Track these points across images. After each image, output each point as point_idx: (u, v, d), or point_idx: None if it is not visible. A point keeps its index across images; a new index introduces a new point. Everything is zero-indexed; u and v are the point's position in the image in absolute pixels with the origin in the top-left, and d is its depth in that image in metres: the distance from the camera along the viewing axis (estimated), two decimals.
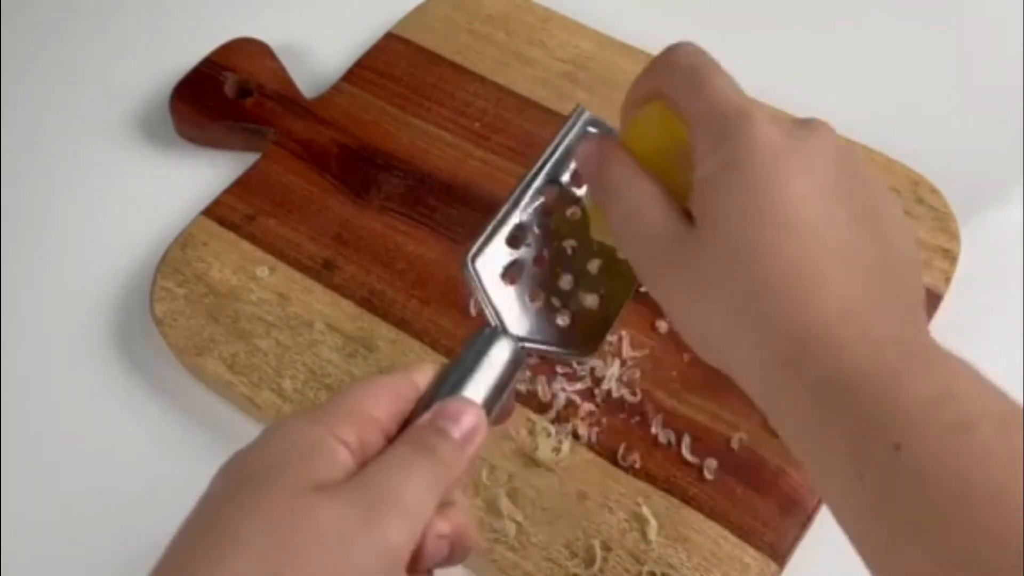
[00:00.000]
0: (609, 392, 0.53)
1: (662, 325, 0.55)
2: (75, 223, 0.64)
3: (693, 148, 0.34)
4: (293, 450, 0.31)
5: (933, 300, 0.55)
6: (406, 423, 0.34)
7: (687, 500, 0.50)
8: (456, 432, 0.33)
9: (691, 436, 0.51)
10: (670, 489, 0.50)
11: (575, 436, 0.52)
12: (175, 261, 0.58)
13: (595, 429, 0.52)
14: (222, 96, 0.66)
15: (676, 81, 0.35)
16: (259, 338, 0.55)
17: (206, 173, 0.65)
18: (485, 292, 0.37)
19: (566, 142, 0.40)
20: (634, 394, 0.53)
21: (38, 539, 0.52)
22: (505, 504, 0.49)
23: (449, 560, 0.33)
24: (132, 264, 0.61)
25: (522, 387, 0.53)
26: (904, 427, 0.29)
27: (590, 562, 0.48)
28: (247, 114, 0.65)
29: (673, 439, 0.51)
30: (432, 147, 0.63)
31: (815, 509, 0.49)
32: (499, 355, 0.36)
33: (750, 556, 0.48)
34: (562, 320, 0.39)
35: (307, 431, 0.32)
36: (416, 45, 0.69)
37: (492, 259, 0.38)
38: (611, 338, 0.54)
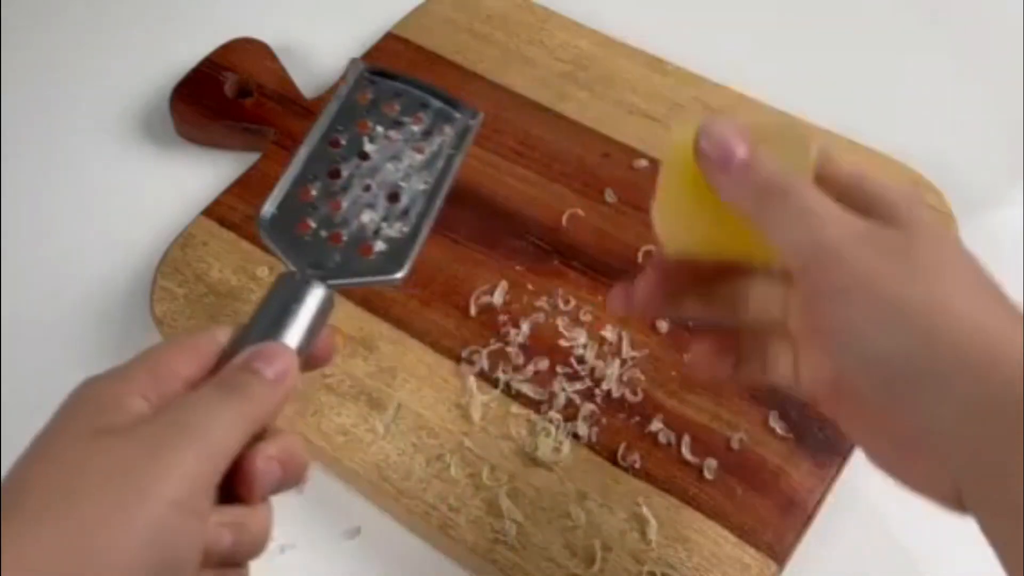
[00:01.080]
0: (609, 392, 0.53)
1: (662, 325, 0.55)
2: (75, 223, 0.64)
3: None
4: (86, 404, 0.33)
5: None
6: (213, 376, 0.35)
7: (687, 500, 0.50)
8: (269, 372, 0.34)
9: (691, 436, 0.51)
10: (670, 489, 0.50)
11: (575, 436, 0.52)
12: (175, 261, 0.58)
13: (595, 429, 0.52)
14: (222, 96, 0.66)
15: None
16: None
17: (206, 173, 0.65)
18: (280, 245, 0.40)
19: (343, 93, 0.44)
20: (635, 394, 0.53)
21: None
22: (505, 504, 0.49)
23: (284, 483, 0.34)
24: (132, 264, 0.61)
25: (523, 387, 0.53)
26: None
27: (590, 562, 0.48)
28: (247, 114, 0.65)
29: (673, 439, 0.51)
30: None
31: (815, 509, 0.49)
32: (309, 301, 0.37)
33: (750, 556, 0.48)
34: (378, 248, 0.41)
35: (103, 387, 0.33)
36: (416, 45, 0.69)
37: (286, 212, 0.41)
38: (611, 337, 0.54)
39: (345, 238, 0.41)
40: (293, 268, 0.39)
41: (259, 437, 0.34)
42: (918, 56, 0.70)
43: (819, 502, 0.50)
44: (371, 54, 0.68)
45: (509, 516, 0.49)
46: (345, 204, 0.42)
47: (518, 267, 0.57)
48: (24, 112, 0.69)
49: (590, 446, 0.51)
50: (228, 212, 0.60)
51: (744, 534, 0.49)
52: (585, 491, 0.50)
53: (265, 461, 0.33)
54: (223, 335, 0.36)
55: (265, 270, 0.58)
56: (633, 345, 0.54)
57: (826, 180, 0.35)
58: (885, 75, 0.69)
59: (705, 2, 0.74)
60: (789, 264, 0.34)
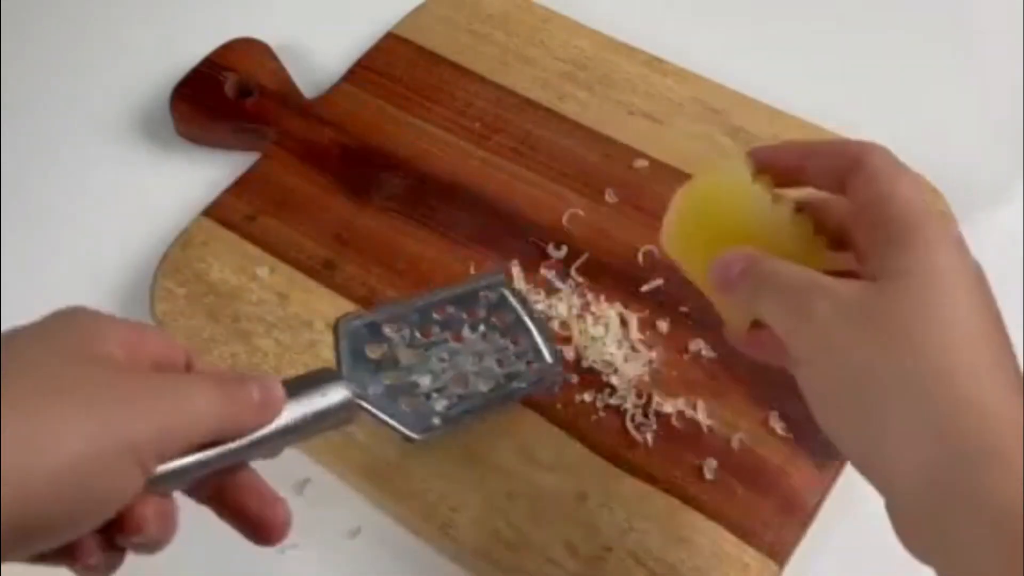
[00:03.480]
0: (610, 392, 0.53)
1: (662, 325, 0.55)
2: (75, 223, 0.64)
3: (863, 224, 0.36)
4: (74, 328, 0.34)
5: None
6: None
7: (687, 500, 0.50)
8: (256, 393, 0.35)
9: (691, 436, 0.51)
10: (670, 489, 0.50)
11: (576, 436, 0.52)
12: (175, 261, 0.58)
13: (595, 428, 0.52)
14: (222, 96, 0.66)
15: (870, 167, 0.36)
16: (259, 338, 0.55)
17: (206, 173, 0.65)
18: (341, 346, 0.43)
19: (476, 285, 0.49)
20: (638, 396, 0.53)
21: None
22: (505, 504, 0.49)
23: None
24: (132, 264, 0.61)
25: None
26: None
27: (590, 562, 0.48)
28: (247, 114, 0.65)
29: (673, 439, 0.51)
30: (432, 147, 0.63)
31: (815, 509, 0.49)
32: (330, 393, 0.39)
33: (750, 556, 0.48)
34: (406, 404, 0.44)
35: (92, 322, 0.34)
36: (416, 45, 0.69)
37: (366, 329, 0.45)
38: (612, 337, 0.54)
39: (395, 383, 0.44)
40: (341, 371, 0.42)
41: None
42: (918, 56, 0.70)
43: (819, 502, 0.50)
44: (371, 54, 0.68)
45: (509, 516, 0.49)
46: (416, 360, 0.46)
47: (518, 267, 0.57)
48: (24, 112, 0.69)
49: (590, 446, 0.51)
50: (228, 212, 0.60)
51: (744, 534, 0.49)
52: (585, 491, 0.50)
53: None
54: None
55: (265, 270, 0.58)
56: (634, 346, 0.54)
57: (856, 191, 0.36)
58: (885, 75, 0.69)
59: (705, 2, 0.74)
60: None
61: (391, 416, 0.43)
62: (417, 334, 0.46)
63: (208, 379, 0.35)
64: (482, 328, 0.49)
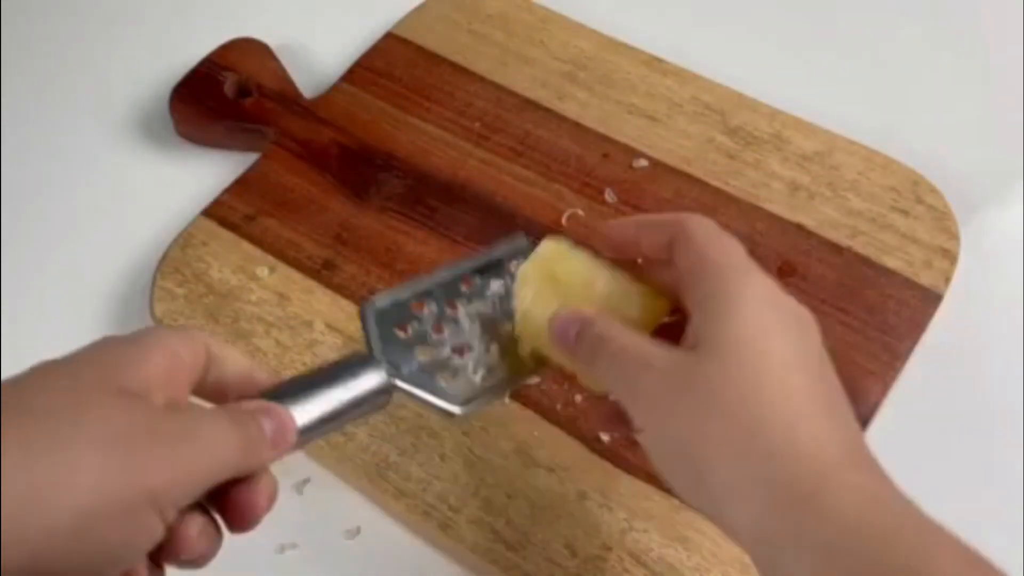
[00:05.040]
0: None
1: None
2: (75, 223, 0.64)
3: (686, 289, 0.38)
4: (108, 360, 0.33)
5: (933, 300, 0.55)
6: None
7: None
8: (268, 428, 0.35)
9: None
10: (670, 489, 0.50)
11: (576, 436, 0.52)
12: (175, 261, 0.58)
13: (596, 429, 0.52)
14: (222, 96, 0.66)
15: (688, 234, 0.38)
16: (259, 338, 0.55)
17: (206, 173, 0.65)
18: (369, 328, 0.42)
19: (499, 252, 0.46)
20: None
21: None
22: (505, 504, 0.49)
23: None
24: (132, 264, 0.61)
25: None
26: None
27: (590, 562, 0.48)
28: (247, 114, 0.65)
29: None
30: (432, 147, 0.63)
31: None
32: (365, 378, 0.38)
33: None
34: (443, 380, 0.42)
35: (125, 354, 0.34)
36: (416, 45, 0.69)
37: (394, 309, 0.43)
38: None
39: (429, 359, 0.42)
40: (373, 353, 0.41)
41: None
42: (918, 56, 0.70)
43: None
44: (371, 54, 0.68)
45: (509, 516, 0.49)
46: (447, 333, 0.43)
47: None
48: (24, 112, 0.69)
49: (590, 446, 0.51)
50: (228, 212, 0.60)
51: None
52: (585, 491, 0.50)
53: (267, 499, 0.35)
54: (216, 346, 0.37)
55: (265, 270, 0.58)
56: None
57: (678, 258, 0.38)
58: (885, 75, 0.69)
59: (705, 2, 0.74)
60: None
61: (431, 393, 0.41)
62: (445, 308, 0.44)
63: (224, 417, 0.34)
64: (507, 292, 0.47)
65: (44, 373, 0.32)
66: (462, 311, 0.44)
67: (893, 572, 0.30)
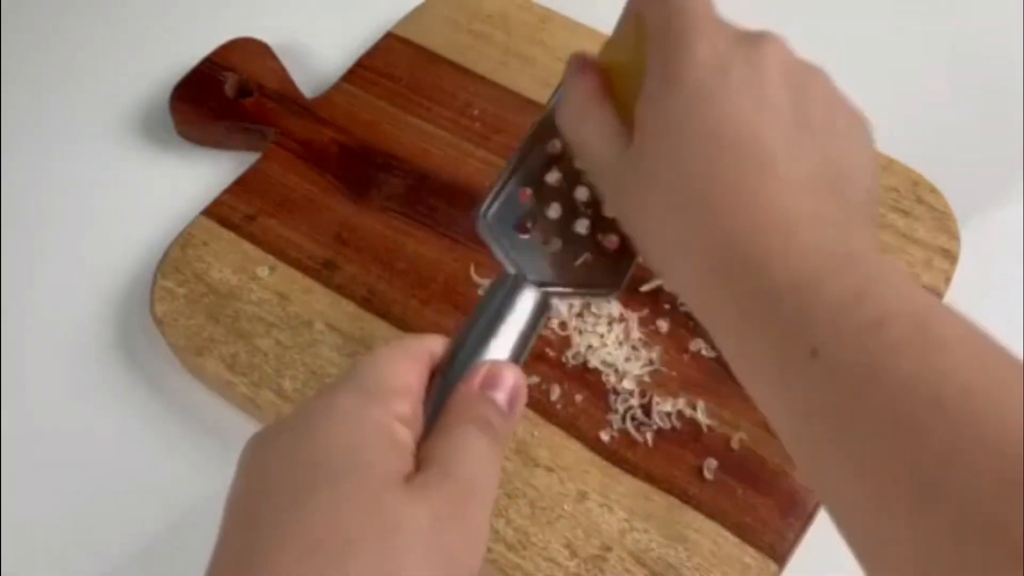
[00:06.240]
0: (611, 392, 0.53)
1: (662, 325, 0.55)
2: (75, 223, 0.64)
3: (648, 64, 0.35)
4: (366, 439, 0.31)
5: None
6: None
7: (687, 500, 0.50)
8: (503, 399, 0.34)
9: (691, 436, 0.51)
10: (670, 489, 0.50)
11: (576, 436, 0.52)
12: (175, 261, 0.58)
13: (595, 429, 0.52)
14: (222, 96, 0.66)
15: None
16: (259, 338, 0.55)
17: (206, 173, 0.65)
18: (500, 244, 0.38)
19: (548, 108, 0.41)
20: (639, 395, 0.53)
21: (38, 538, 0.52)
22: (505, 504, 0.49)
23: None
24: (132, 264, 0.61)
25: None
26: (819, 332, 0.29)
27: (590, 562, 0.48)
28: (247, 114, 0.65)
29: (673, 439, 0.51)
30: (432, 147, 0.63)
31: (815, 509, 0.49)
32: (523, 304, 0.36)
33: (750, 556, 0.48)
34: (583, 262, 0.39)
35: (370, 415, 0.32)
36: (416, 45, 0.69)
37: (504, 211, 0.39)
38: (612, 337, 0.54)
39: (559, 246, 0.39)
40: (511, 270, 0.38)
41: None
42: (918, 56, 0.70)
43: (819, 502, 0.50)
44: (371, 54, 0.68)
45: (509, 516, 0.49)
46: (557, 210, 0.39)
47: None
48: (24, 112, 0.69)
49: (591, 446, 0.51)
50: (228, 212, 0.60)
51: (744, 534, 0.49)
52: (585, 491, 0.50)
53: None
54: (438, 346, 0.35)
55: (265, 270, 0.58)
56: (634, 345, 0.54)
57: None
58: (885, 75, 0.69)
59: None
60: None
61: (581, 287, 0.38)
62: (540, 183, 0.40)
63: (474, 436, 0.33)
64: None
65: (312, 441, 0.31)
66: (554, 180, 0.40)
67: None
